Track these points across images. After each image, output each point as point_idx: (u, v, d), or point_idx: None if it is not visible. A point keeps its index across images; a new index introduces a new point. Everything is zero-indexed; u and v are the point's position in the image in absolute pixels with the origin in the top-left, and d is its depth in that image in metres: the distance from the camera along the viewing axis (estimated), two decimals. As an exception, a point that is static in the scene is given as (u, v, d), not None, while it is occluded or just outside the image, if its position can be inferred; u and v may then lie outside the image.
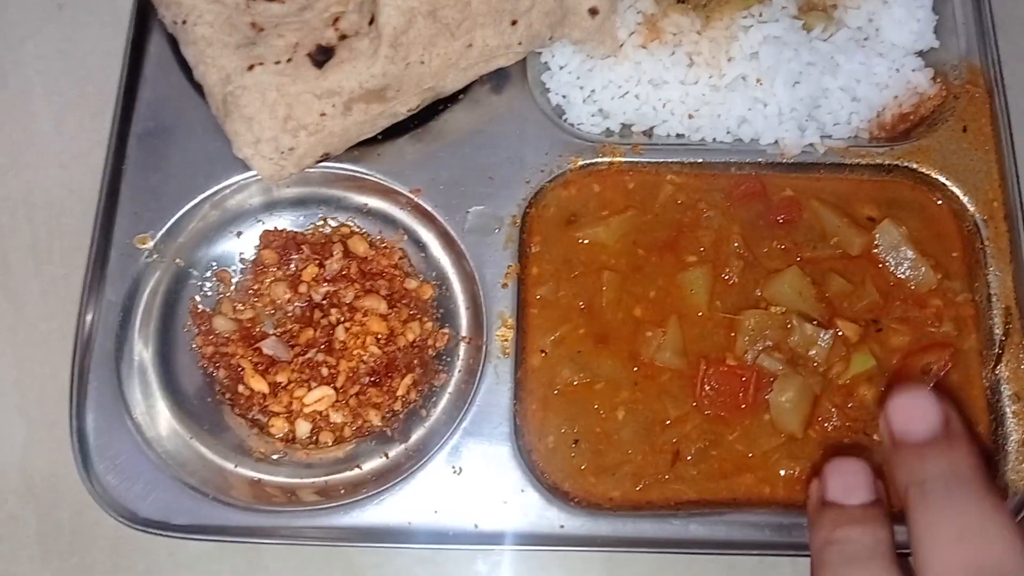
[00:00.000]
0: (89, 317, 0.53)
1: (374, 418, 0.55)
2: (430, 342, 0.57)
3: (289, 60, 0.53)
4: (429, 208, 0.57)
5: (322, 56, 0.53)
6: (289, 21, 0.54)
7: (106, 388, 0.52)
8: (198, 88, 0.56)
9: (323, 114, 0.53)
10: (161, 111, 0.57)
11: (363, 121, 0.54)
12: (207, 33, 0.53)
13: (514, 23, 0.55)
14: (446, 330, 0.57)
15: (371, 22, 0.53)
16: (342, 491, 0.53)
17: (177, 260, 0.56)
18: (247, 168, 0.55)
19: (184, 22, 0.53)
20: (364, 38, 0.53)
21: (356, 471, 0.54)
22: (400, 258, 0.58)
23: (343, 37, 0.53)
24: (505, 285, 0.56)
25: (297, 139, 0.54)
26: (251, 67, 0.52)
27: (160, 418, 0.53)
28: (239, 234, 0.58)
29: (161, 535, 0.50)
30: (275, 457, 0.54)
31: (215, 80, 0.53)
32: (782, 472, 0.53)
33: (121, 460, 0.51)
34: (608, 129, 0.60)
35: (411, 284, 0.58)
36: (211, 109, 0.54)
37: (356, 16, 0.54)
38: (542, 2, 0.55)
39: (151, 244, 0.55)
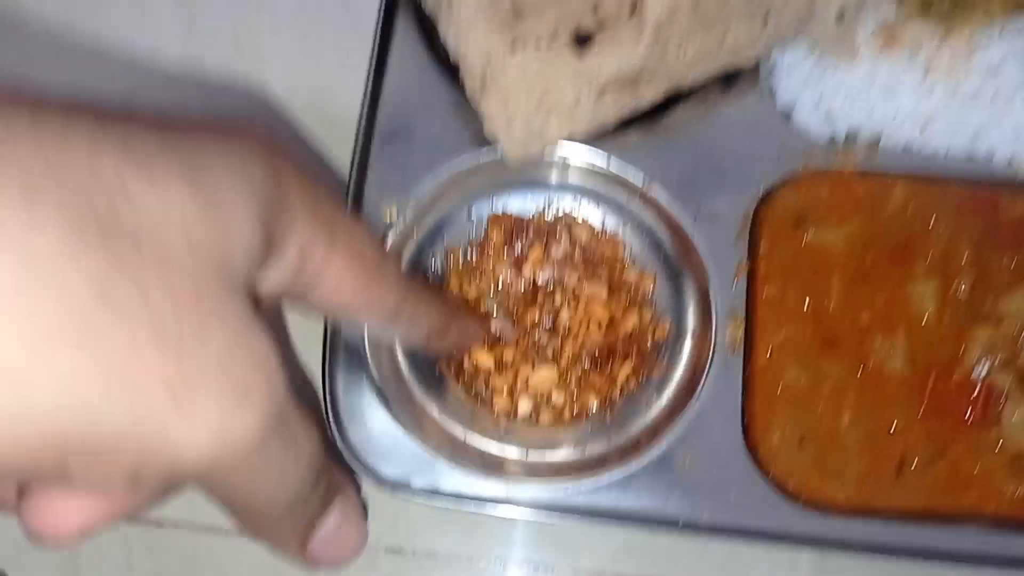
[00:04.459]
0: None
1: (593, 402, 0.56)
2: (649, 333, 0.58)
3: (549, 43, 0.53)
4: (660, 201, 0.57)
5: (582, 41, 0.53)
6: (548, 4, 0.55)
7: (352, 353, 0.53)
8: (445, 69, 0.57)
9: (577, 99, 0.54)
10: (408, 88, 0.58)
11: (610, 108, 0.55)
12: (470, 15, 0.54)
13: (765, 21, 0.56)
14: (666, 323, 0.58)
15: (632, 10, 0.53)
16: (560, 470, 0.54)
17: (415, 232, 0.57)
18: (483, 150, 0.56)
19: (449, 3, 0.54)
20: (624, 26, 0.53)
21: (576, 453, 0.55)
22: (622, 248, 0.59)
23: (602, 23, 0.54)
24: (735, 282, 0.56)
25: (548, 122, 0.54)
26: (512, 48, 0.53)
27: (398, 384, 0.54)
28: (469, 214, 0.59)
29: (404, 498, 0.51)
30: (496, 431, 0.56)
31: (475, 60, 0.54)
32: (1008, 489, 0.53)
33: (368, 422, 0.52)
34: (835, 134, 0.60)
35: (632, 275, 0.59)
36: (466, 88, 0.55)
37: (616, 2, 0.54)
38: (795, 1, 0.56)
39: (395, 214, 0.56)
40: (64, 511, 0.28)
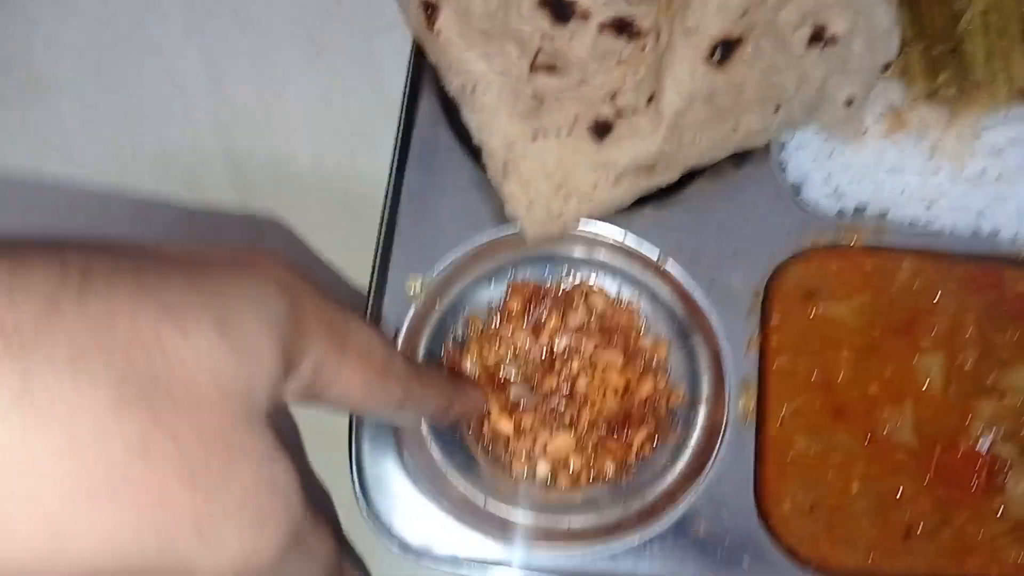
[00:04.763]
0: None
1: (610, 467, 0.59)
2: (663, 400, 0.60)
3: (569, 132, 0.56)
4: (674, 274, 0.60)
5: (601, 131, 0.56)
6: (567, 94, 0.58)
7: (377, 421, 0.56)
8: (467, 149, 0.60)
9: (595, 184, 0.57)
10: (431, 166, 0.61)
11: (627, 191, 0.58)
12: (493, 101, 0.57)
13: (776, 109, 0.58)
14: (681, 390, 0.60)
15: (649, 101, 0.56)
16: (577, 536, 0.57)
17: (437, 304, 0.60)
18: (507, 223, 0.59)
19: (472, 90, 0.57)
20: (642, 116, 0.56)
21: (593, 518, 0.57)
22: (637, 317, 0.62)
23: (620, 113, 0.57)
24: (747, 353, 0.58)
25: (567, 205, 0.57)
26: (533, 136, 0.56)
27: (422, 451, 0.57)
28: (490, 283, 0.62)
29: (427, 565, 0.53)
30: (515, 496, 0.58)
31: (497, 145, 0.57)
32: (1010, 556, 0.55)
33: (392, 490, 0.55)
34: (843, 210, 0.63)
35: (646, 343, 0.62)
36: (488, 170, 0.58)
37: (633, 93, 0.57)
38: (805, 90, 0.58)
39: (419, 287, 0.59)
40: None
